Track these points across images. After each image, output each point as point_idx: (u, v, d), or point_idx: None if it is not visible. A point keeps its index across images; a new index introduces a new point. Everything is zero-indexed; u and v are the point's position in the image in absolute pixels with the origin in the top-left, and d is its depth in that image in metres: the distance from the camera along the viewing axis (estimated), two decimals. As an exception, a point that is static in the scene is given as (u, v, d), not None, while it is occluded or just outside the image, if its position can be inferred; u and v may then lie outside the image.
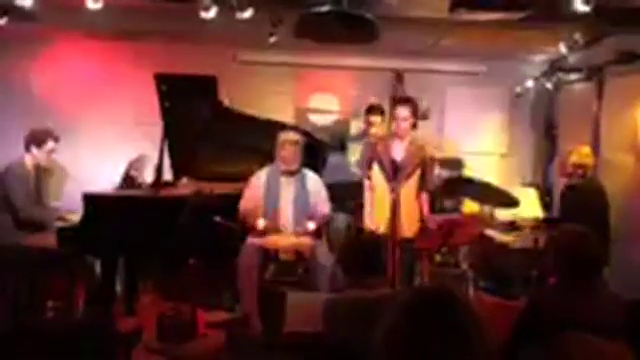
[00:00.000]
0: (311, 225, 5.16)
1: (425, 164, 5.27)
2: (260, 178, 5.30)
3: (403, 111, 5.20)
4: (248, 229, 5.15)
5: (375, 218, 5.17)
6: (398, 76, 6.65)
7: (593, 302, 2.89)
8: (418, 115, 5.32)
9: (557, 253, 3.10)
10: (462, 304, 1.60)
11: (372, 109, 6.43)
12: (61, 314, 4.94)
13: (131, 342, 3.95)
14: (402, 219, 4.93)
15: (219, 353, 4.38)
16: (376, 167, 5.23)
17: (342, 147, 6.61)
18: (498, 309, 3.59)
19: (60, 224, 5.12)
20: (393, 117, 5.31)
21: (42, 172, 5.38)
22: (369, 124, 6.39)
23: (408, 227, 5.07)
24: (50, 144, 5.18)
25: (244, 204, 5.23)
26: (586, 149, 5.53)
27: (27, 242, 4.96)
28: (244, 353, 4.33)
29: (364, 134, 6.51)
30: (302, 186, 5.27)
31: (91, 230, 5.00)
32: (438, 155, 7.02)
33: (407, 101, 5.31)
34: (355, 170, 6.40)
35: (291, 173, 5.24)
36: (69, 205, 5.52)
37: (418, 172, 5.21)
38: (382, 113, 6.38)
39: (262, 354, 4.31)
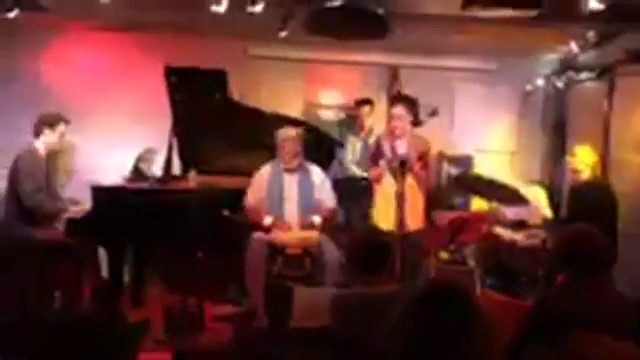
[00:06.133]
0: (317, 219, 5.16)
1: (426, 155, 5.26)
2: (263, 174, 5.29)
3: (397, 110, 5.22)
4: (254, 225, 5.15)
5: (382, 214, 5.17)
6: (394, 73, 6.66)
7: (600, 301, 2.88)
8: (417, 111, 5.31)
9: (562, 252, 3.09)
10: (471, 301, 1.60)
11: (360, 101, 6.71)
12: (68, 304, 4.96)
13: (138, 334, 3.96)
14: (407, 214, 4.92)
15: (226, 346, 4.40)
16: (382, 163, 5.22)
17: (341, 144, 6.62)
18: (505, 307, 3.59)
19: (68, 215, 5.12)
20: (390, 116, 5.33)
21: (53, 161, 5.37)
22: (361, 116, 6.66)
23: (413, 222, 5.06)
24: (61, 126, 5.16)
25: (248, 201, 5.23)
26: (579, 149, 5.49)
27: (35, 233, 4.97)
28: (251, 347, 4.33)
29: (359, 128, 6.69)
30: (306, 181, 5.26)
31: (99, 222, 5.01)
32: (447, 152, 7.02)
33: (401, 99, 5.32)
34: (353, 169, 6.45)
35: (294, 169, 5.24)
36: (76, 195, 5.53)
37: (419, 165, 5.21)
38: (370, 103, 6.67)
39: (269, 348, 4.31)
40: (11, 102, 6.54)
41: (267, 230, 5.08)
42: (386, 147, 5.24)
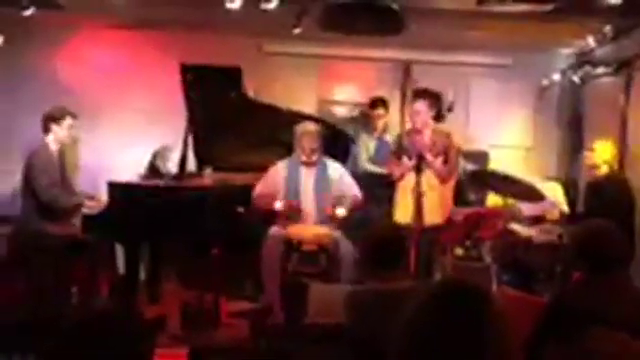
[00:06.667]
0: (341, 211, 5.15)
1: (448, 151, 5.25)
2: (280, 169, 5.30)
3: (417, 105, 5.22)
4: (262, 212, 5.15)
5: (402, 209, 5.17)
6: (406, 69, 6.63)
7: (617, 298, 2.86)
8: (441, 106, 5.30)
9: (579, 249, 3.07)
10: (487, 299, 1.59)
11: (375, 103, 6.64)
12: (84, 300, 5.00)
13: (154, 330, 3.98)
14: (425, 208, 4.91)
15: (242, 342, 4.41)
16: (405, 160, 5.22)
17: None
18: (522, 304, 3.57)
19: (84, 210, 5.15)
20: (410, 111, 5.33)
21: (64, 156, 5.40)
22: (374, 118, 6.59)
23: (431, 216, 5.05)
24: (68, 120, 5.18)
25: (260, 189, 5.23)
26: (599, 144, 5.46)
27: (52, 229, 5.00)
28: (266, 343, 4.35)
29: (372, 127, 6.66)
30: (323, 175, 5.27)
31: (116, 218, 5.04)
32: (463, 147, 6.98)
33: (422, 95, 5.30)
34: (366, 166, 6.43)
35: (311, 163, 5.24)
36: (91, 191, 5.57)
37: (440, 160, 5.20)
38: (385, 104, 6.59)
39: (284, 345, 4.32)
40: (27, 100, 6.57)
41: (281, 217, 5.10)
42: (408, 143, 5.24)
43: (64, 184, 5.26)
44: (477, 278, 5.32)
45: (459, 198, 6.09)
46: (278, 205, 5.11)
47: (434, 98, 5.26)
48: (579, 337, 2.38)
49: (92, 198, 5.28)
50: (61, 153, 5.28)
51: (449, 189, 5.38)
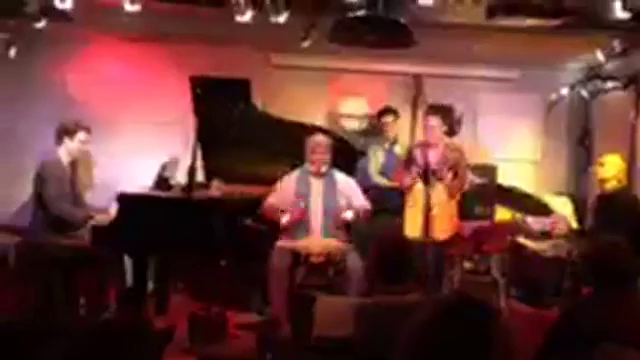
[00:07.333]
0: (349, 214, 5.16)
1: (457, 166, 5.25)
2: (290, 180, 5.33)
3: (432, 120, 5.25)
4: (268, 221, 5.17)
5: (412, 222, 5.18)
6: (417, 83, 6.62)
7: (627, 314, 2.85)
8: (453, 120, 5.32)
9: (589, 264, 3.08)
10: (497, 317, 1.59)
11: (383, 112, 6.60)
12: (93, 311, 5.01)
13: (162, 341, 3.98)
14: (435, 222, 4.91)
15: (249, 355, 4.40)
16: (414, 172, 5.23)
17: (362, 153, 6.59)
18: (530, 318, 3.56)
19: (93, 222, 5.16)
20: (424, 125, 5.34)
21: (76, 169, 5.42)
22: (384, 126, 6.54)
23: (441, 231, 5.05)
24: (81, 135, 5.21)
25: (270, 200, 5.24)
26: (609, 158, 5.45)
27: (61, 241, 5.01)
28: (273, 356, 4.34)
29: (382, 137, 6.61)
30: (331, 186, 5.28)
31: (124, 230, 5.04)
32: (471, 161, 6.98)
33: (437, 110, 5.33)
34: (376, 178, 6.41)
35: (321, 174, 5.26)
36: (100, 203, 5.58)
37: (450, 175, 5.21)
38: (394, 113, 6.53)
39: (291, 357, 4.31)
40: (38, 112, 6.61)
41: (286, 230, 5.10)
42: (418, 156, 5.25)
43: (74, 197, 5.28)
44: (485, 292, 5.32)
45: (465, 211, 6.09)
46: (285, 220, 5.11)
47: (447, 113, 5.29)
48: (589, 353, 2.37)
49: (103, 212, 5.28)
50: (73, 167, 5.30)
51: (455, 203, 5.37)
